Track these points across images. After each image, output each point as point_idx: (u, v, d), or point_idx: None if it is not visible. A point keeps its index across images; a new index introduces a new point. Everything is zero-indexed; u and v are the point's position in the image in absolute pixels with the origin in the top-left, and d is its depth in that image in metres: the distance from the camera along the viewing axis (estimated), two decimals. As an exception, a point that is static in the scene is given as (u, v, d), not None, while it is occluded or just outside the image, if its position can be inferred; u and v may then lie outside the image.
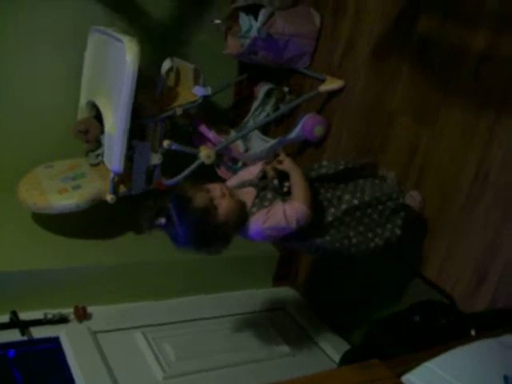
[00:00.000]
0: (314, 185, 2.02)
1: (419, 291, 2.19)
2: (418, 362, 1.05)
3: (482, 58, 2.20)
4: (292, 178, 1.93)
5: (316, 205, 1.95)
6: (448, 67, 2.32)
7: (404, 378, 1.02)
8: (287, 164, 1.94)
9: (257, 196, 1.92)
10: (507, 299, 2.04)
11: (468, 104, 2.25)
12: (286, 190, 1.94)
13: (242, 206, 1.88)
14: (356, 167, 2.18)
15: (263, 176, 1.98)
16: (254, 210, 1.89)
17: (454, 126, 2.28)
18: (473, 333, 1.47)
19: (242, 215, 1.87)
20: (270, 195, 1.91)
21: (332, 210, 2.02)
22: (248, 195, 1.93)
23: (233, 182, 2.09)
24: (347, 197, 2.05)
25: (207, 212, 1.76)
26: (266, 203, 1.89)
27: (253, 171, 2.06)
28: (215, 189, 1.82)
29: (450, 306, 1.93)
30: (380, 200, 2.10)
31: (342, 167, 2.12)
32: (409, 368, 1.03)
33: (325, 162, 2.15)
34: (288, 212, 1.84)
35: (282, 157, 1.97)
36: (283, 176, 1.96)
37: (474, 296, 2.14)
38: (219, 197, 1.80)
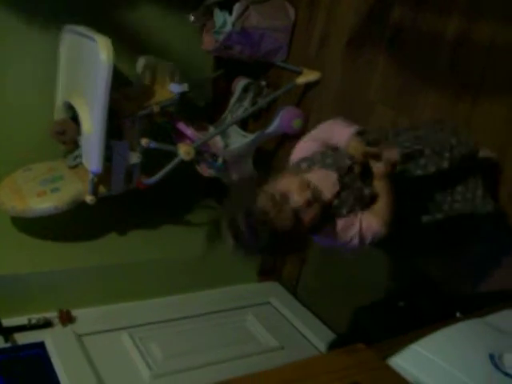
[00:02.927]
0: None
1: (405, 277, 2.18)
2: (403, 344, 1.05)
3: (456, 44, 2.21)
4: (381, 187, 1.57)
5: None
6: (423, 55, 2.33)
7: (390, 361, 1.01)
8: (381, 169, 1.55)
9: (338, 195, 1.55)
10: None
11: (445, 90, 2.26)
12: (366, 194, 1.58)
13: (323, 204, 1.51)
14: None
15: (350, 168, 1.57)
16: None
17: (431, 112, 2.29)
18: (458, 315, 1.47)
19: (323, 216, 1.52)
20: (351, 199, 1.56)
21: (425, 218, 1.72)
22: (329, 187, 1.54)
23: (312, 146, 1.65)
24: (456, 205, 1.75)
25: (290, 231, 1.43)
26: (345, 210, 1.55)
27: (341, 138, 1.61)
28: (296, 193, 1.44)
29: (435, 290, 1.92)
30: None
31: (446, 164, 1.72)
32: (395, 351, 1.03)
33: (427, 151, 1.71)
34: (364, 231, 1.55)
35: (388, 154, 1.56)
36: (365, 174, 1.59)
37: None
38: (303, 205, 1.44)
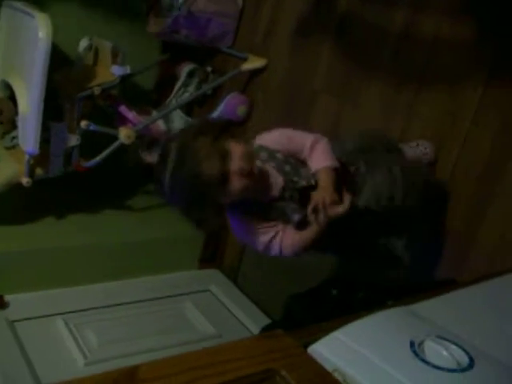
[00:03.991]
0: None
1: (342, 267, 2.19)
2: (325, 332, 1.04)
3: (400, 36, 2.24)
4: (314, 225, 1.52)
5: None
6: (368, 45, 2.35)
7: (310, 349, 1.01)
8: (321, 219, 1.49)
9: (272, 200, 1.53)
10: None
11: (388, 80, 2.28)
12: (296, 219, 1.55)
13: (254, 192, 1.49)
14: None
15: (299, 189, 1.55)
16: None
17: (375, 102, 2.31)
18: (390, 304, 1.47)
19: (247, 202, 1.50)
20: (280, 212, 1.54)
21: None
22: (270, 185, 1.53)
23: (279, 140, 1.59)
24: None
25: (209, 183, 1.38)
26: (274, 215, 1.54)
27: (314, 158, 1.57)
28: (237, 157, 1.41)
29: (369, 280, 1.93)
30: None
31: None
32: (316, 338, 1.02)
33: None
34: (285, 246, 1.54)
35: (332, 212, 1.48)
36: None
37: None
38: (236, 172, 1.40)
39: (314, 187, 1.52)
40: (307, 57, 2.58)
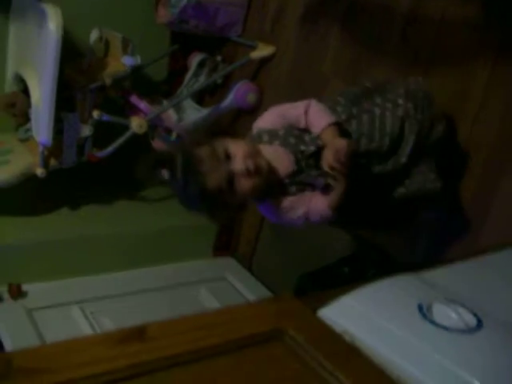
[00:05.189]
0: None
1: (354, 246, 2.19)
2: (334, 297, 1.06)
3: (408, 18, 2.23)
4: (336, 186, 1.51)
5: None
6: (376, 29, 2.34)
7: (319, 313, 1.02)
8: (342, 172, 1.47)
9: (290, 175, 1.53)
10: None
11: (397, 64, 2.28)
12: (319, 184, 1.54)
13: (269, 181, 1.48)
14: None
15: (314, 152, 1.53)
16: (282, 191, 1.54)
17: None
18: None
19: (266, 191, 1.50)
20: (303, 184, 1.54)
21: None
22: (282, 167, 1.52)
23: (279, 121, 1.59)
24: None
25: (220, 191, 1.41)
26: (294, 189, 1.54)
27: (312, 122, 1.55)
28: (240, 158, 1.41)
29: (381, 258, 1.93)
30: None
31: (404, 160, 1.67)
32: (325, 304, 1.04)
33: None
34: (311, 212, 1.53)
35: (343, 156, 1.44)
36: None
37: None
38: (242, 173, 1.41)
39: (323, 148, 1.52)
40: (316, 42, 2.59)
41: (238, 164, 1.41)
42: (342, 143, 1.46)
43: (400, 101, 1.71)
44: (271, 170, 1.49)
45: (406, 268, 1.46)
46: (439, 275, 1.23)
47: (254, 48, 2.79)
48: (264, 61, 2.80)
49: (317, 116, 1.55)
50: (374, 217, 1.83)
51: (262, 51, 2.75)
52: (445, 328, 1.00)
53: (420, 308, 1.04)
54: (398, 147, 1.67)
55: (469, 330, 1.01)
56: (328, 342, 0.91)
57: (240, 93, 2.77)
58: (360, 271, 1.80)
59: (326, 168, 1.48)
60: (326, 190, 1.53)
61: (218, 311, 0.93)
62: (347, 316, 1.02)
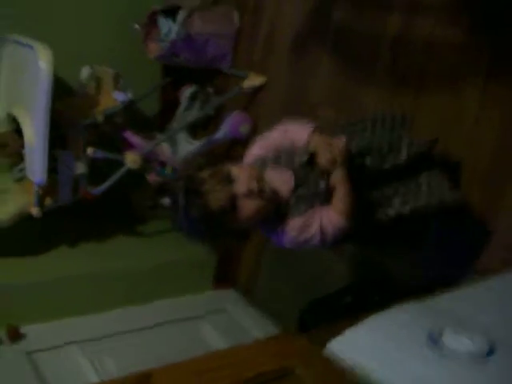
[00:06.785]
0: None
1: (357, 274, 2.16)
2: (341, 331, 1.03)
3: (395, 41, 2.25)
4: (336, 178, 1.52)
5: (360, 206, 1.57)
6: (364, 53, 2.36)
7: (328, 346, 0.99)
8: (341, 169, 1.50)
9: (294, 190, 1.51)
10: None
11: (386, 86, 2.29)
12: (322, 187, 1.53)
13: (272, 204, 1.47)
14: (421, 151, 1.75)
15: (308, 160, 1.53)
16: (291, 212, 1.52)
17: (373, 109, 2.29)
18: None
19: (269, 214, 1.49)
20: (309, 195, 1.52)
21: (377, 213, 1.65)
22: (284, 185, 1.51)
23: (268, 145, 1.60)
24: (397, 201, 1.67)
25: (222, 214, 1.40)
26: (303, 207, 1.51)
27: (296, 137, 1.56)
28: (242, 181, 1.40)
29: (384, 282, 1.89)
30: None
31: (403, 159, 1.69)
32: (331, 338, 1.01)
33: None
34: (325, 226, 1.50)
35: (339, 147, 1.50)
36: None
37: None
38: (244, 195, 1.40)
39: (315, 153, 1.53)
40: (305, 71, 2.60)
41: (242, 185, 1.40)
42: (333, 139, 1.52)
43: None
44: (274, 191, 1.48)
45: (410, 293, 1.44)
46: (446, 301, 1.21)
47: (244, 78, 2.79)
48: (255, 91, 2.80)
49: (297, 129, 1.58)
50: (376, 233, 1.81)
51: (253, 81, 2.76)
52: (457, 356, 0.98)
53: (431, 337, 1.02)
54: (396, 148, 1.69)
55: (481, 357, 0.98)
56: (334, 381, 0.88)
57: (233, 124, 2.78)
58: (363, 299, 1.77)
59: (323, 166, 1.49)
60: (330, 196, 1.52)
61: (223, 352, 0.91)
62: (356, 349, 1.00)
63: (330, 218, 1.50)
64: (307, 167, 1.51)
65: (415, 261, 1.81)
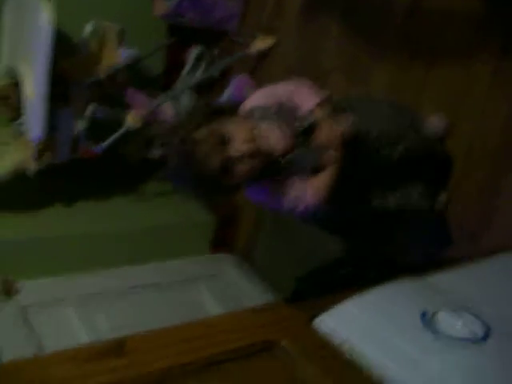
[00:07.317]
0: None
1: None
2: (332, 304, 1.01)
3: (409, 10, 2.19)
4: (328, 168, 1.47)
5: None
6: (377, 21, 2.31)
7: (317, 320, 0.97)
8: (337, 150, 1.46)
9: (291, 150, 1.46)
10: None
11: (398, 57, 2.25)
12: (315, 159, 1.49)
13: (264, 161, 1.43)
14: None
15: (306, 130, 1.49)
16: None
17: (385, 79, 2.27)
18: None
19: (262, 173, 1.45)
20: (298, 163, 1.48)
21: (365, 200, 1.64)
22: (280, 142, 1.45)
23: (272, 96, 1.54)
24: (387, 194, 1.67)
25: (217, 174, 1.37)
26: (290, 171, 1.48)
27: (301, 102, 1.50)
28: (239, 143, 1.38)
29: (382, 259, 1.87)
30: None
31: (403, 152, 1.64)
32: (323, 310, 0.99)
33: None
34: (299, 199, 1.46)
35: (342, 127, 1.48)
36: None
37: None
38: (240, 157, 1.37)
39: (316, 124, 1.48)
40: (315, 36, 2.54)
41: (237, 148, 1.37)
42: (338, 117, 1.45)
43: None
44: (268, 151, 1.44)
45: (408, 270, 1.41)
46: (444, 279, 1.18)
47: (252, 41, 2.73)
48: (263, 54, 2.74)
49: (308, 92, 1.51)
50: (370, 215, 1.78)
51: (261, 44, 2.70)
52: (450, 338, 0.95)
53: (423, 315, 0.99)
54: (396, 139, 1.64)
55: (476, 340, 0.96)
56: (323, 355, 0.86)
57: (238, 87, 2.73)
58: (359, 273, 1.74)
59: (321, 143, 1.45)
60: (317, 172, 1.47)
61: (204, 322, 0.88)
62: (347, 325, 0.98)
63: (313, 186, 1.46)
64: (304, 136, 1.46)
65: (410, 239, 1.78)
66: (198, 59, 2.93)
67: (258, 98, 1.55)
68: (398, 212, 1.68)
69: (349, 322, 1.00)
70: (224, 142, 1.37)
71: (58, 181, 2.60)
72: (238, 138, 1.38)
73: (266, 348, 0.82)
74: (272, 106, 1.50)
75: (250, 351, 0.81)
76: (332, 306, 1.02)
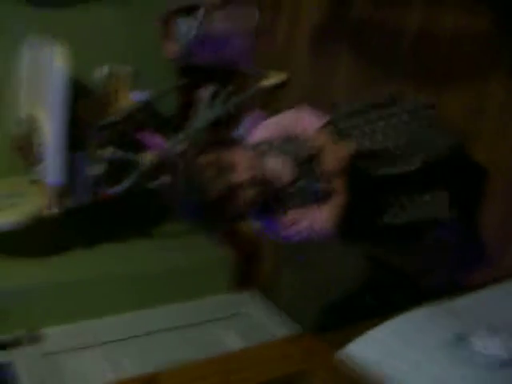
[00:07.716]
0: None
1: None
2: (361, 332, 0.98)
3: (417, 36, 2.19)
4: (335, 195, 1.49)
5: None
6: (386, 49, 2.31)
7: (347, 349, 0.95)
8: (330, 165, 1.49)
9: (293, 182, 1.49)
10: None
11: (409, 83, 2.22)
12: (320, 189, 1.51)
13: (269, 191, 1.45)
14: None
15: (311, 156, 1.50)
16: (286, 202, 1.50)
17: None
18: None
19: (268, 204, 1.47)
20: (307, 190, 1.50)
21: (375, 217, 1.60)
22: (284, 172, 1.48)
23: (277, 129, 1.57)
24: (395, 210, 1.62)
25: (219, 200, 1.39)
26: (298, 200, 1.50)
27: (306, 127, 1.54)
28: (242, 169, 1.40)
29: (402, 282, 1.83)
30: None
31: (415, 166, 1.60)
32: (351, 339, 0.96)
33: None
34: (312, 227, 1.48)
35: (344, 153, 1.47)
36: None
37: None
38: (242, 185, 1.39)
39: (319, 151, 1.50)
40: (326, 68, 2.55)
41: (241, 174, 1.39)
42: (340, 147, 1.46)
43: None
44: (272, 180, 1.47)
45: (432, 294, 1.38)
46: (465, 303, 1.15)
47: (264, 76, 2.75)
48: (276, 88, 2.76)
49: (309, 118, 1.56)
50: (387, 234, 1.76)
51: (273, 79, 2.72)
52: (484, 359, 0.92)
53: (457, 339, 0.96)
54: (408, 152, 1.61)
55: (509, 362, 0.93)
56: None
57: (252, 123, 2.73)
58: (383, 300, 1.71)
59: (325, 170, 1.47)
60: (326, 198, 1.49)
61: (232, 355, 0.86)
62: (378, 351, 0.94)
63: (317, 221, 1.48)
64: (309, 162, 1.49)
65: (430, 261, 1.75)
66: (213, 97, 2.94)
67: (263, 131, 1.60)
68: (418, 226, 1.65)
69: (379, 349, 0.97)
70: (227, 169, 1.39)
71: (75, 224, 2.61)
72: (240, 166, 1.40)
73: (297, 379, 0.80)
74: (277, 138, 1.55)
75: (285, 381, 0.79)
76: (357, 336, 0.99)
